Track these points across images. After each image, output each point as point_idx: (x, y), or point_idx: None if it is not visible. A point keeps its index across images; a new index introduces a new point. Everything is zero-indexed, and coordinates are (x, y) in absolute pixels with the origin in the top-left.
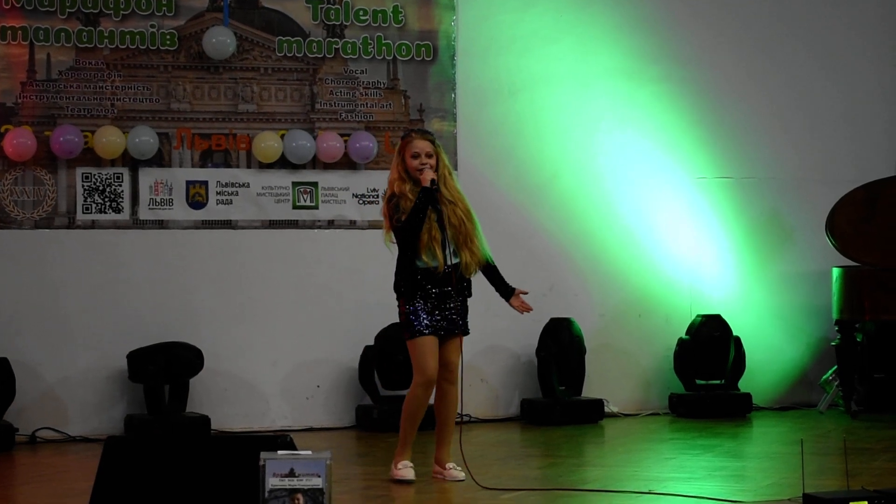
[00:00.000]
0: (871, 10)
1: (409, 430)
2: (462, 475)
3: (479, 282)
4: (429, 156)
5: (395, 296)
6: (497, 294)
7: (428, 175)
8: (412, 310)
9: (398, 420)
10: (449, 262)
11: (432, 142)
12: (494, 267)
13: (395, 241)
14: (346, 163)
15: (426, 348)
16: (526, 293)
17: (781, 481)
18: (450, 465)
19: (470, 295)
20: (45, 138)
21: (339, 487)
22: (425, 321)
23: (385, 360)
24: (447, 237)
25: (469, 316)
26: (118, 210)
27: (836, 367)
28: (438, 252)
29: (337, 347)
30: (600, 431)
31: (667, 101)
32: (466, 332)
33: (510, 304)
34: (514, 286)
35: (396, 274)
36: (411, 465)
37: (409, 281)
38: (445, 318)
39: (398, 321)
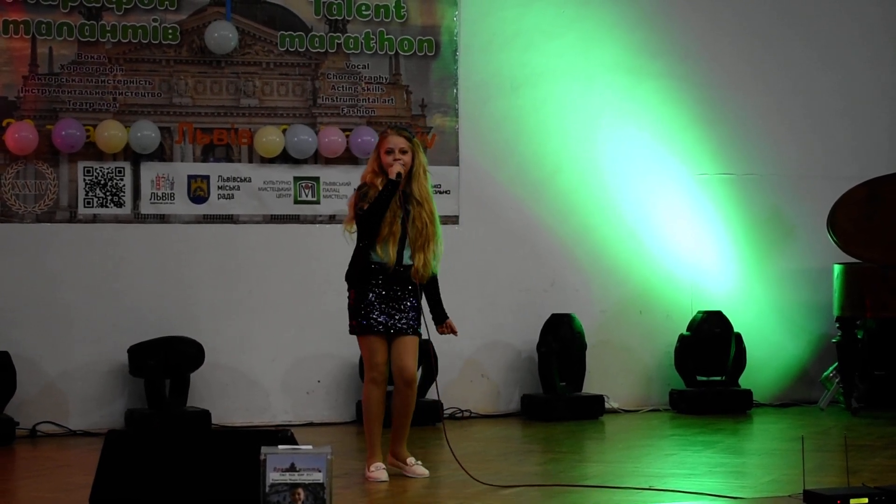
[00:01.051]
0: (871, 6)
1: (372, 430)
2: (426, 472)
3: (483, 275)
4: (402, 152)
5: None
6: (498, 289)
7: (395, 168)
8: (363, 305)
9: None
10: (403, 262)
11: (408, 139)
12: (436, 281)
13: (353, 231)
14: (348, 158)
15: (375, 346)
16: (455, 333)
17: (782, 478)
18: (411, 459)
19: (420, 299)
20: (46, 132)
21: (339, 482)
22: (375, 318)
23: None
24: (407, 237)
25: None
26: (119, 204)
27: (836, 363)
28: (391, 248)
29: (337, 342)
30: (601, 427)
31: (668, 97)
32: (418, 334)
33: (437, 328)
34: (447, 314)
35: (350, 264)
36: (383, 466)
37: (361, 272)
38: (395, 317)
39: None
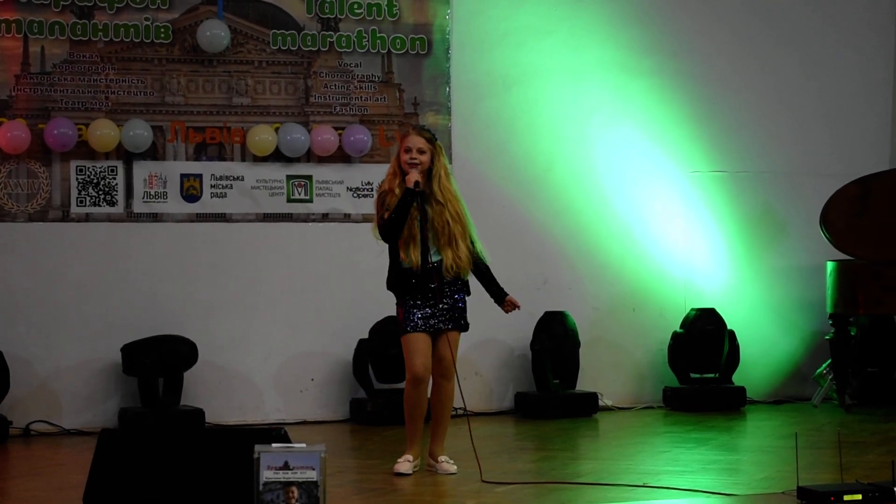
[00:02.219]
0: (860, 5)
1: (410, 426)
2: (454, 468)
3: (471, 276)
4: (420, 152)
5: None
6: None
7: (413, 176)
8: (405, 307)
9: (392, 413)
10: (429, 261)
11: (429, 139)
12: (487, 269)
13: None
14: (341, 156)
15: (414, 345)
16: (518, 307)
17: (775, 475)
18: (442, 458)
19: (468, 293)
20: (39, 131)
21: (333, 480)
22: (414, 318)
23: (379, 354)
24: (427, 237)
25: (468, 312)
26: (112, 203)
27: (829, 360)
28: (413, 251)
29: (331, 341)
30: (594, 425)
31: (661, 95)
32: (463, 329)
33: (502, 308)
34: (507, 291)
35: (388, 273)
36: (410, 458)
37: (395, 278)
38: (436, 315)
39: (393, 315)
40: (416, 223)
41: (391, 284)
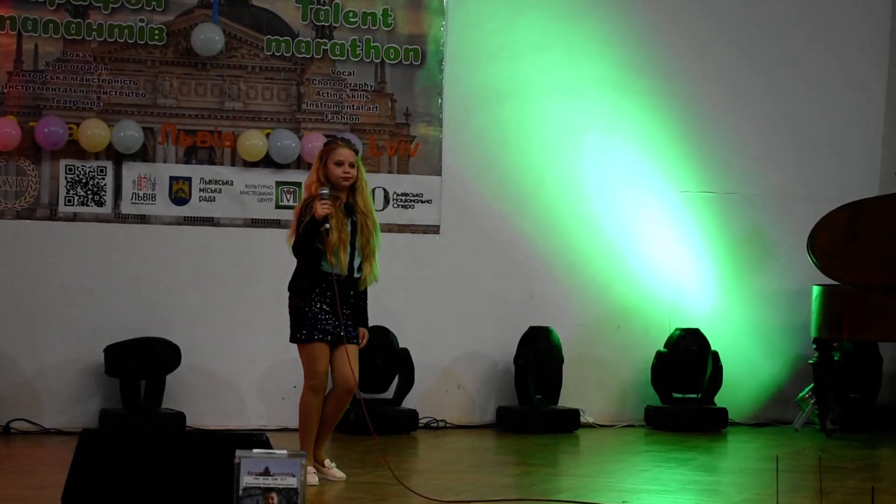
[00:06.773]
0: (855, 31)
1: (307, 437)
2: (343, 475)
3: (462, 285)
4: (351, 165)
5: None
6: (477, 300)
7: (322, 210)
8: (307, 313)
9: (375, 423)
10: (354, 270)
11: (356, 152)
12: (365, 291)
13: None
14: None
15: (319, 353)
16: (365, 340)
17: (755, 497)
18: (328, 462)
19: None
20: (29, 129)
21: (312, 488)
22: (319, 326)
23: (363, 363)
24: (356, 246)
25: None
26: (100, 203)
27: (812, 384)
28: (343, 258)
29: None
30: (575, 441)
31: (653, 114)
32: (358, 342)
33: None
34: (369, 325)
35: (296, 274)
36: (314, 470)
37: (310, 282)
38: (339, 325)
39: (378, 324)
40: (347, 231)
41: (301, 287)
